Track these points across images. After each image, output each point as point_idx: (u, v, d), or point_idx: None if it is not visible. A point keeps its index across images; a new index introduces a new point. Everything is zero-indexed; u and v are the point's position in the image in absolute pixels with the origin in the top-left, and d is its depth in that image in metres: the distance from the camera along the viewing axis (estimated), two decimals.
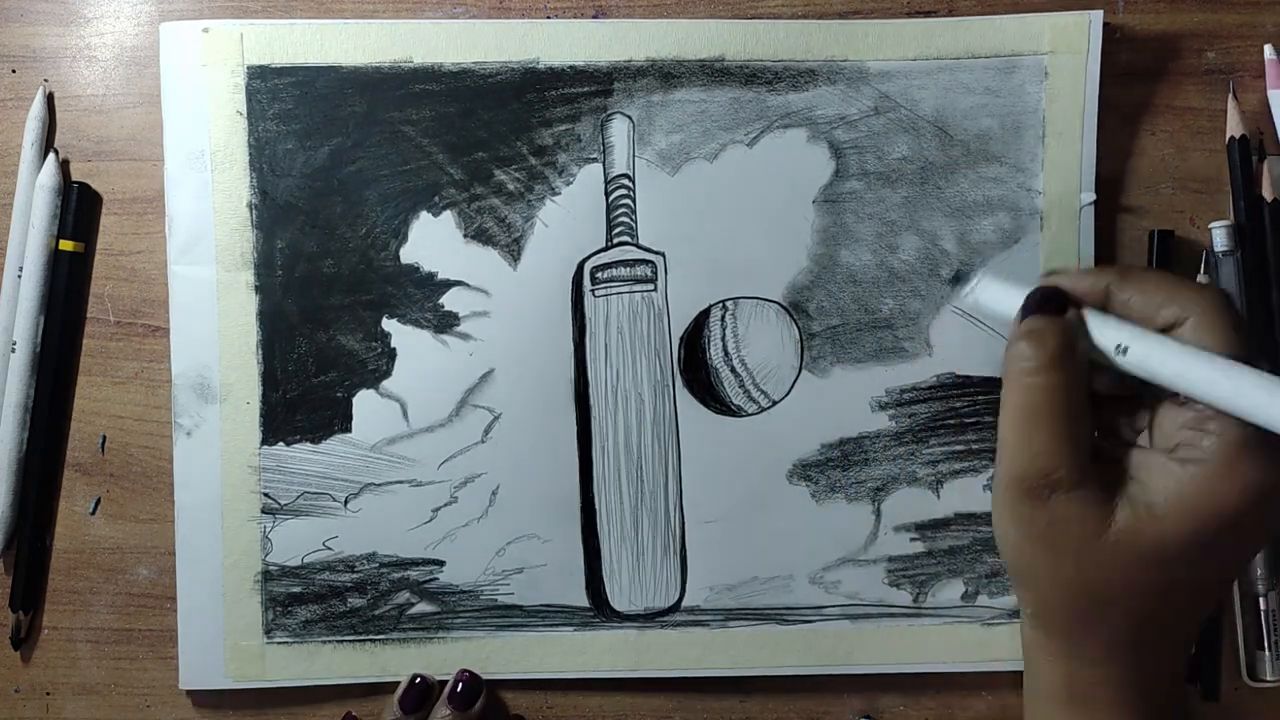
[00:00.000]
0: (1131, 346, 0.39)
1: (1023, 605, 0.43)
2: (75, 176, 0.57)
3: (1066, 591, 0.40)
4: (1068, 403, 0.39)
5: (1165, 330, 0.39)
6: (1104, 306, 0.41)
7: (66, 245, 0.56)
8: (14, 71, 0.57)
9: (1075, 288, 0.41)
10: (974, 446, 0.56)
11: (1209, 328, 0.38)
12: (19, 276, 0.56)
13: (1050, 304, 0.41)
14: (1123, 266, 0.42)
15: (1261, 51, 0.57)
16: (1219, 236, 0.56)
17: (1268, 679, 0.56)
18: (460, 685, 0.55)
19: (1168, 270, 0.43)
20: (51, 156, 0.56)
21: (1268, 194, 0.56)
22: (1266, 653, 0.56)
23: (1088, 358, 0.40)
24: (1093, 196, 0.56)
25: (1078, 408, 0.40)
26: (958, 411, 0.56)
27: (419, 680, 0.55)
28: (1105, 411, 0.42)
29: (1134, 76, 0.57)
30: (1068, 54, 0.55)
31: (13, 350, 0.56)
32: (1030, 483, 0.40)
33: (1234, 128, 0.56)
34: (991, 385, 0.56)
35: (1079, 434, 0.40)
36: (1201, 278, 0.56)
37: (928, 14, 0.56)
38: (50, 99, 0.57)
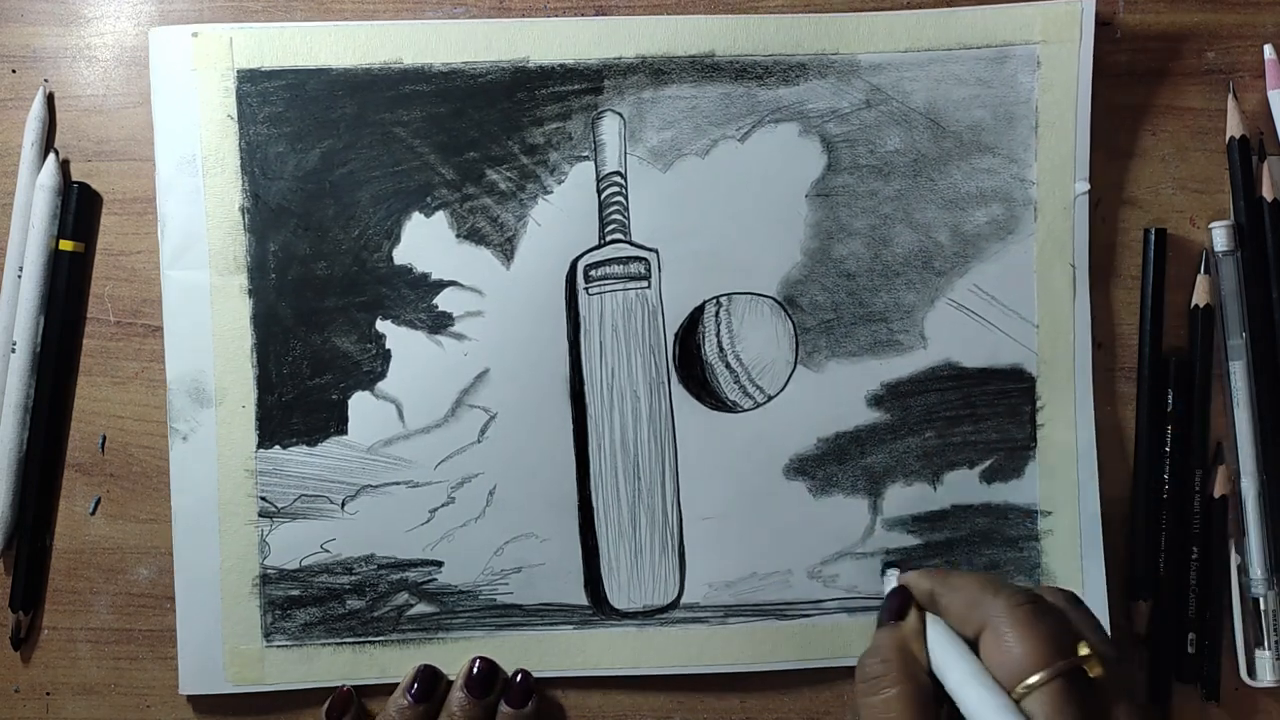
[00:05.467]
0: (947, 677, 0.40)
1: None
2: (75, 176, 0.57)
3: None
4: (910, 714, 0.40)
5: (976, 636, 0.40)
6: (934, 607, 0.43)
7: (66, 245, 0.56)
8: (14, 71, 0.57)
9: (914, 588, 0.43)
10: (970, 438, 0.56)
11: (1001, 639, 0.39)
12: (19, 276, 0.56)
13: (897, 611, 0.43)
14: (945, 571, 0.44)
15: (1261, 51, 0.57)
16: (1219, 236, 0.56)
17: (1268, 679, 0.55)
18: (476, 670, 0.55)
19: (987, 573, 0.48)
20: (51, 156, 0.56)
21: (1268, 194, 0.56)
22: (1266, 653, 0.55)
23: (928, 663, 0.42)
24: (1086, 186, 0.55)
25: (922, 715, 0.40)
26: (953, 403, 0.56)
27: (427, 669, 0.55)
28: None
29: (1134, 76, 0.57)
30: (1059, 43, 0.55)
31: (13, 350, 0.56)
32: None
33: (1234, 128, 0.56)
34: (987, 377, 0.56)
35: None
36: (1201, 277, 0.56)
37: (918, 6, 0.56)
38: (50, 99, 0.57)
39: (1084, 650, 0.38)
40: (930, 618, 0.42)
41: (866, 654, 0.42)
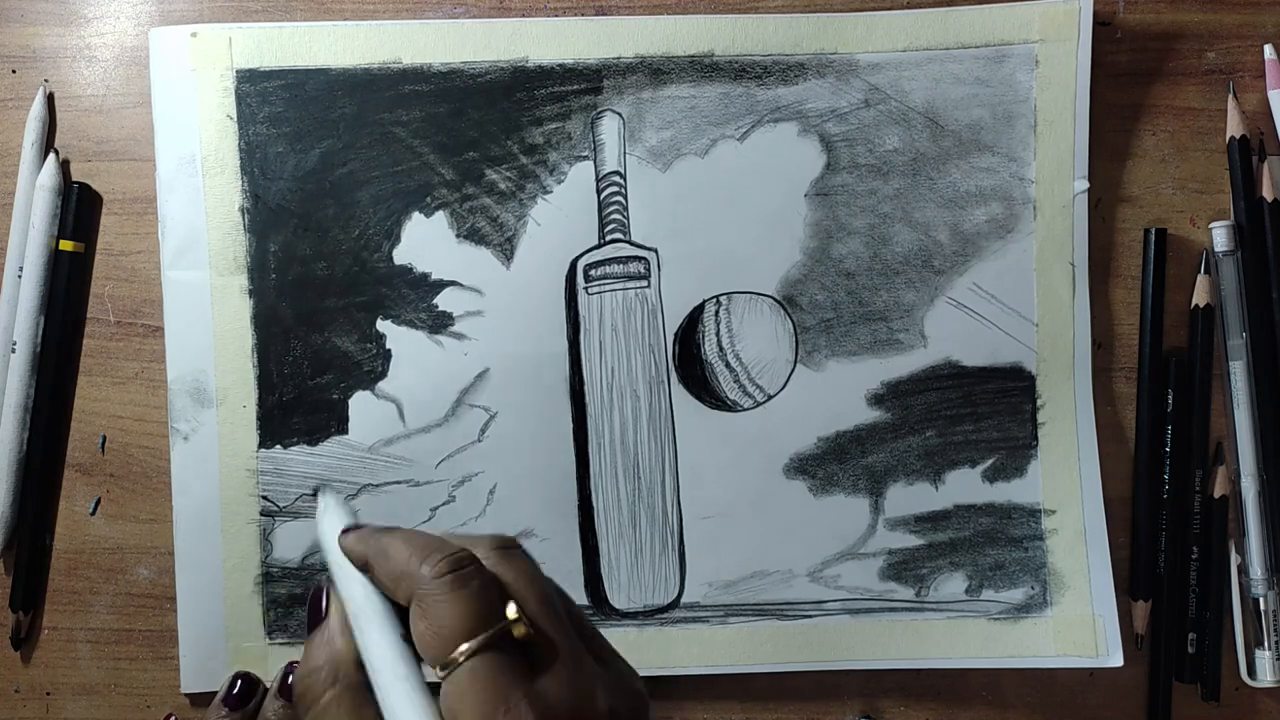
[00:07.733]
0: (369, 664, 0.36)
1: None
2: (75, 176, 0.57)
3: None
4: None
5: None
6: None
7: (66, 245, 0.56)
8: (14, 71, 0.58)
9: (350, 553, 0.39)
10: (971, 437, 0.56)
11: (425, 614, 0.35)
12: (19, 276, 0.56)
13: (316, 610, 0.39)
14: (378, 531, 0.38)
15: (1261, 51, 0.57)
16: (1219, 236, 0.56)
17: (1268, 679, 0.55)
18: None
19: (420, 533, 0.39)
20: (52, 156, 0.56)
21: (1268, 194, 0.56)
22: (1266, 653, 0.55)
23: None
24: (1085, 185, 0.55)
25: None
26: (954, 402, 0.56)
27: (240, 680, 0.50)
28: None
29: (1134, 76, 0.57)
30: (1057, 42, 0.55)
31: (13, 350, 0.56)
32: None
33: (1234, 128, 0.56)
34: (988, 375, 0.56)
35: None
36: (1201, 277, 0.56)
37: (917, 5, 0.56)
38: (50, 99, 0.57)
39: (511, 613, 0.35)
40: (364, 596, 0.37)
41: (299, 669, 0.38)
